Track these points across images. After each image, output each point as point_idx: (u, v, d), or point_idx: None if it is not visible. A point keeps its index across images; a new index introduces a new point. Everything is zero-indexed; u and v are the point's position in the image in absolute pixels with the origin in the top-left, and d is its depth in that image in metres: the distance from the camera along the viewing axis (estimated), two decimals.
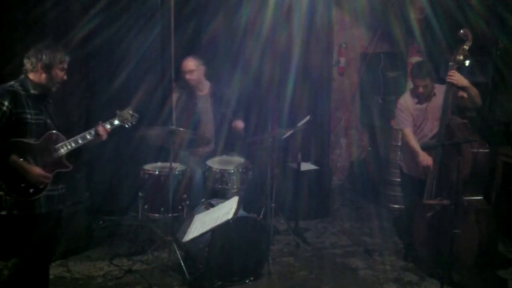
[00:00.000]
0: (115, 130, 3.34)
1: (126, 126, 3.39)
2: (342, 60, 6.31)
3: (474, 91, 3.92)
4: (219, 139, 4.64)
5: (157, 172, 4.16)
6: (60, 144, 3.05)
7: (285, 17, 5.53)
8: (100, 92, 4.90)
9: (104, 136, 3.23)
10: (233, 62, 5.37)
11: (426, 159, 3.98)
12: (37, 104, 3.00)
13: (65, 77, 3.09)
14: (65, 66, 3.07)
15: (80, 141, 3.12)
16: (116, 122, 3.34)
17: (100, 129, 3.21)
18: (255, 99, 5.51)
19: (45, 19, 4.46)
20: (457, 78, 3.87)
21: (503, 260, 4.28)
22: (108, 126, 3.28)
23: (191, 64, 4.52)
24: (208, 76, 4.68)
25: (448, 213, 3.64)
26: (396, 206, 5.50)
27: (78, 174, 4.85)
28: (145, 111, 4.91)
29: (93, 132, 3.18)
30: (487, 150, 3.81)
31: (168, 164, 3.97)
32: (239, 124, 4.58)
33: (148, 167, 4.27)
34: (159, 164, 4.37)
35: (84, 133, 3.15)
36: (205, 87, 4.67)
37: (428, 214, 3.91)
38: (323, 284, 3.89)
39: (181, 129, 4.02)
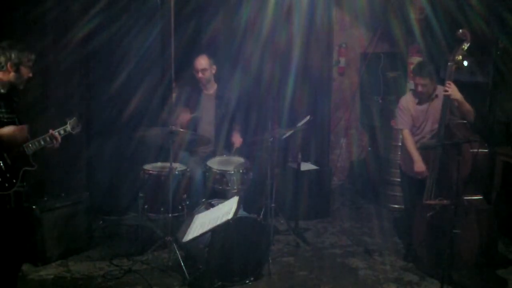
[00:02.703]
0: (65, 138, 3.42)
1: (73, 133, 3.44)
2: (342, 60, 6.30)
3: (466, 107, 3.91)
4: (219, 140, 4.64)
5: (157, 172, 4.16)
6: (28, 142, 3.17)
7: (285, 17, 5.52)
8: (100, 92, 4.90)
9: (57, 144, 3.31)
10: (233, 62, 5.37)
11: (420, 165, 4.00)
12: (8, 103, 3.11)
13: (30, 75, 3.20)
14: (31, 64, 3.18)
15: (42, 143, 3.23)
16: (68, 129, 3.40)
17: (56, 135, 3.30)
18: (255, 99, 5.50)
19: (45, 19, 4.46)
20: (451, 91, 3.86)
21: (503, 260, 4.28)
22: (62, 132, 3.36)
23: (204, 62, 4.53)
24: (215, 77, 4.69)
25: (448, 213, 3.64)
26: (396, 206, 5.49)
27: (78, 174, 4.87)
28: (145, 111, 4.94)
29: (48, 138, 3.27)
30: (486, 150, 3.81)
31: (168, 164, 3.97)
32: (237, 140, 4.60)
33: (148, 167, 4.26)
34: (159, 164, 4.36)
35: (44, 136, 3.25)
36: (212, 87, 4.69)
37: (428, 214, 3.91)
38: (323, 284, 3.89)
39: (181, 129, 4.02)
